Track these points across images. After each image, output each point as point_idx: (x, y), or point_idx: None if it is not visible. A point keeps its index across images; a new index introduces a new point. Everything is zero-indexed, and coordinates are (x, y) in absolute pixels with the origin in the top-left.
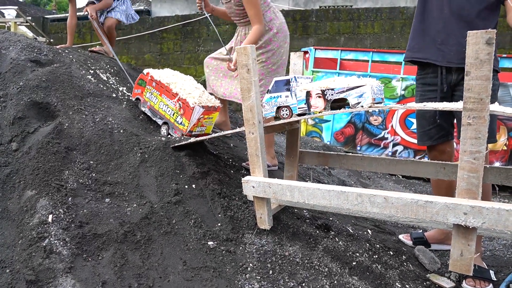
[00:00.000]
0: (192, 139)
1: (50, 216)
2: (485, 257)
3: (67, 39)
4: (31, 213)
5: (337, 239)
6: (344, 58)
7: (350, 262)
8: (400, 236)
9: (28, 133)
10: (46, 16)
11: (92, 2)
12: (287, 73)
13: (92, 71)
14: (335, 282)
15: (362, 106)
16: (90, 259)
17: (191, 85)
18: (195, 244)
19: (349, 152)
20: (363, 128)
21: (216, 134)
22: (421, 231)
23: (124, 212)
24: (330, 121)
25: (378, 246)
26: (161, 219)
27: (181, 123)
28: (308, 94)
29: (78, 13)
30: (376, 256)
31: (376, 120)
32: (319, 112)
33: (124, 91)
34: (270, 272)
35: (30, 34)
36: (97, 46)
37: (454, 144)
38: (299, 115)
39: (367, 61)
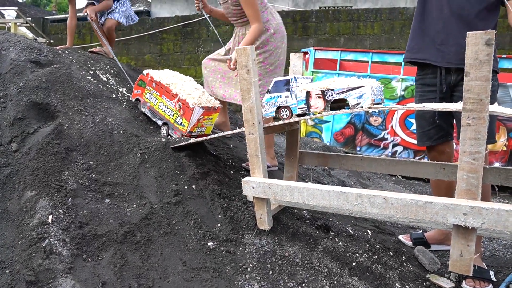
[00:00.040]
0: (192, 140)
1: (50, 216)
2: (485, 258)
3: (67, 40)
4: (31, 214)
5: (337, 240)
6: (344, 58)
7: (350, 263)
8: (400, 237)
9: (28, 134)
10: (46, 17)
11: (92, 3)
12: (287, 73)
13: (92, 72)
14: (335, 282)
15: (362, 107)
16: (90, 259)
17: (191, 85)
18: (195, 245)
19: (349, 153)
20: (363, 128)
21: (216, 135)
22: (421, 231)
23: (124, 212)
24: (330, 121)
25: (378, 246)
26: (161, 219)
27: (181, 123)
28: (308, 94)
29: (78, 14)
30: (376, 257)
31: (376, 120)
32: (319, 113)
33: (124, 92)
34: (270, 272)
35: (30, 35)
36: (97, 47)
37: (454, 144)
38: (298, 115)
39: (367, 61)
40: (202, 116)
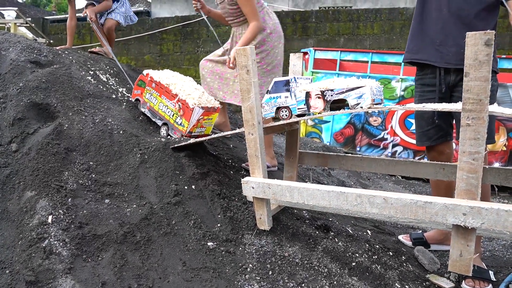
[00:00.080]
0: (192, 140)
1: (50, 217)
2: (485, 258)
3: (67, 40)
4: (30, 214)
5: (336, 240)
6: (344, 59)
7: (350, 263)
8: (400, 237)
9: (28, 134)
10: (46, 17)
11: (91, 3)
12: (285, 74)
13: (91, 72)
14: (335, 282)
15: (362, 107)
16: (89, 259)
17: (191, 86)
18: (195, 245)
19: (349, 153)
20: (363, 128)
21: (216, 135)
22: (420, 231)
23: (123, 213)
24: (329, 121)
25: (377, 246)
26: (161, 219)
27: (180, 124)
28: (308, 95)
29: (77, 14)
30: (376, 257)
31: (375, 121)
32: (318, 113)
33: (124, 92)
34: (270, 272)
35: (30, 35)
36: (97, 47)
37: (453, 144)
38: (298, 115)
39: (367, 62)
40: (202, 117)
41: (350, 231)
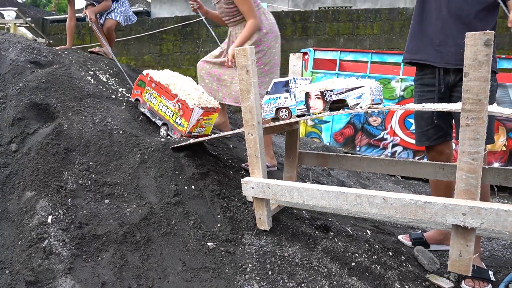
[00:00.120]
0: (192, 140)
1: (50, 217)
2: (484, 258)
3: (67, 40)
4: (30, 214)
5: (336, 240)
6: (344, 59)
7: (350, 263)
8: (399, 237)
9: (28, 134)
10: (45, 17)
11: (91, 3)
12: (285, 74)
13: (91, 72)
14: (334, 282)
15: (361, 107)
16: (89, 260)
17: (191, 86)
18: (195, 245)
19: (349, 153)
20: (363, 129)
21: (216, 135)
22: (420, 231)
23: (123, 213)
24: (329, 122)
25: (377, 246)
26: (161, 220)
27: (180, 124)
28: (307, 95)
29: (77, 15)
30: (376, 257)
31: (375, 121)
32: (318, 113)
33: (124, 92)
34: (270, 272)
35: (29, 35)
36: (97, 47)
37: (453, 145)
38: (298, 116)
39: (367, 62)
40: (202, 117)
41: (350, 231)
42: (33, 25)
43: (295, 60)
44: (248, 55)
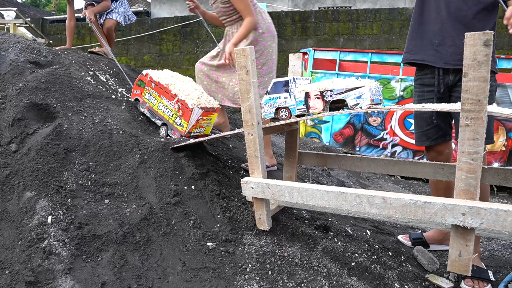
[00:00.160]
0: (192, 140)
1: (50, 217)
2: (484, 258)
3: (66, 41)
4: (30, 214)
5: (336, 240)
6: (343, 59)
7: (349, 263)
8: (399, 237)
9: (28, 135)
10: (45, 17)
11: (90, 3)
12: (285, 74)
13: (91, 73)
14: (334, 282)
15: (361, 107)
16: (89, 260)
17: (190, 86)
18: (194, 245)
19: (348, 153)
20: (362, 129)
21: (216, 135)
22: (420, 231)
23: (123, 213)
24: (329, 122)
25: (377, 246)
26: (160, 220)
27: (180, 124)
28: (307, 95)
29: (76, 15)
30: (375, 257)
31: (375, 121)
32: (318, 113)
33: (124, 92)
34: (269, 272)
35: (29, 35)
36: (97, 47)
37: (453, 145)
38: (298, 116)
39: (366, 62)
40: (201, 117)
41: (350, 231)
42: (32, 25)
43: (294, 60)
44: (247, 56)
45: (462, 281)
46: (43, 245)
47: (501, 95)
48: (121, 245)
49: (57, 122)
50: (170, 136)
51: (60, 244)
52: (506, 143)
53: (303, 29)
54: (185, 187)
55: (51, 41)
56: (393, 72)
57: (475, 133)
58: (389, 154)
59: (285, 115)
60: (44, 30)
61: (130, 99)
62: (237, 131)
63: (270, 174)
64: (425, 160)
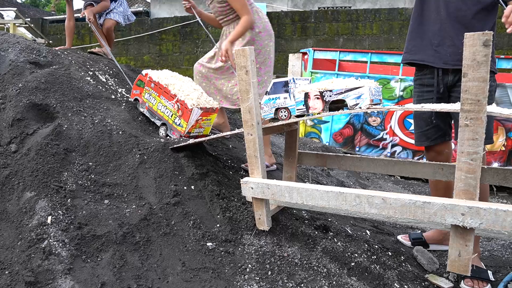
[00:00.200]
0: (191, 141)
1: (49, 217)
2: (483, 258)
3: (66, 41)
4: (30, 215)
5: (335, 240)
6: (343, 59)
7: (349, 263)
8: (399, 237)
9: (27, 135)
10: (45, 18)
11: (90, 4)
12: (284, 74)
13: (91, 73)
14: (334, 282)
15: (360, 108)
16: (89, 260)
17: (190, 86)
18: (194, 245)
19: (348, 153)
20: (362, 129)
21: (215, 136)
22: (419, 231)
23: (123, 213)
24: (329, 122)
25: (376, 246)
26: (160, 220)
27: (179, 124)
28: (307, 95)
29: (76, 15)
30: (375, 257)
31: (374, 121)
32: (317, 113)
33: (123, 93)
34: (269, 273)
35: (29, 35)
36: (96, 48)
37: (452, 145)
38: (297, 116)
39: (366, 62)
40: (201, 117)
41: (349, 231)
42: (32, 25)
43: (294, 60)
44: (247, 56)
45: (462, 281)
46: (43, 246)
47: (500, 95)
48: (121, 245)
49: (56, 122)
50: (170, 136)
51: (60, 244)
52: (505, 143)
53: (303, 29)
54: (185, 187)
55: (50, 41)
56: (393, 72)
57: (475, 133)
58: (388, 154)
59: (285, 116)
60: (44, 30)
61: (129, 99)
62: (236, 131)
63: (270, 174)
64: (424, 160)
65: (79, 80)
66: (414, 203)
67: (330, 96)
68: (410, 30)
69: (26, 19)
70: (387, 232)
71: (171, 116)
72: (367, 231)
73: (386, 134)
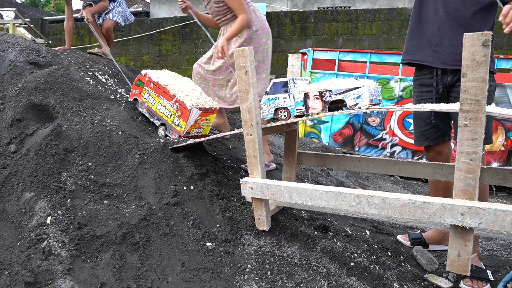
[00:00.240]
0: (191, 141)
1: (49, 218)
2: (483, 257)
3: (65, 41)
4: (29, 215)
5: (335, 240)
6: (343, 59)
7: (348, 263)
8: (398, 237)
9: (27, 135)
10: (44, 18)
11: (88, 4)
12: (284, 74)
13: (90, 73)
14: (333, 282)
15: (360, 108)
16: (88, 260)
17: (189, 86)
18: (194, 245)
19: (347, 153)
20: (362, 129)
21: (215, 136)
22: (419, 231)
23: (122, 213)
24: (328, 122)
25: (376, 246)
26: (160, 220)
27: (178, 124)
28: (306, 95)
29: (75, 15)
30: (374, 257)
31: (374, 121)
32: (317, 114)
33: (123, 93)
34: (269, 273)
35: (28, 35)
36: (96, 48)
37: (452, 145)
38: (297, 116)
39: (365, 62)
40: (200, 117)
41: (349, 231)
42: (32, 25)
43: (294, 60)
44: (247, 56)
45: (461, 281)
46: (43, 246)
47: (500, 95)
48: (121, 245)
49: (56, 122)
50: (169, 137)
51: (60, 244)
52: (505, 143)
53: (302, 29)
54: (185, 188)
55: (50, 42)
56: (392, 72)
57: (474, 133)
58: (388, 154)
59: (284, 116)
60: (43, 31)
61: (129, 100)
62: (236, 131)
63: (269, 175)
64: (424, 160)
65: (79, 80)
66: (414, 203)
67: (330, 96)
68: (409, 30)
69: (26, 19)
70: (387, 232)
71: (170, 116)
72: (367, 231)
73: (386, 134)
